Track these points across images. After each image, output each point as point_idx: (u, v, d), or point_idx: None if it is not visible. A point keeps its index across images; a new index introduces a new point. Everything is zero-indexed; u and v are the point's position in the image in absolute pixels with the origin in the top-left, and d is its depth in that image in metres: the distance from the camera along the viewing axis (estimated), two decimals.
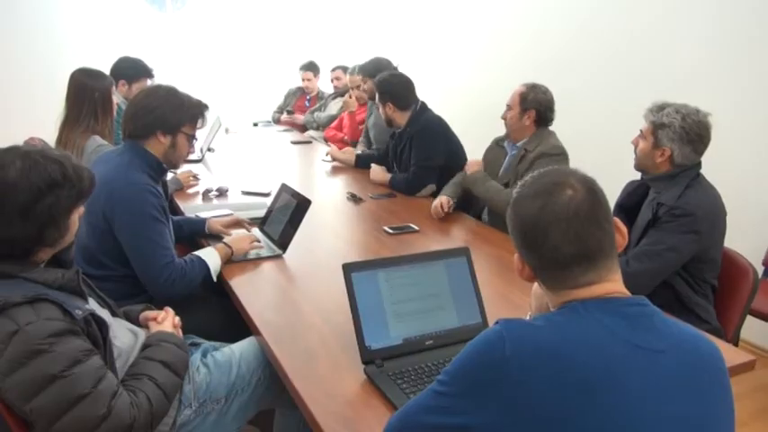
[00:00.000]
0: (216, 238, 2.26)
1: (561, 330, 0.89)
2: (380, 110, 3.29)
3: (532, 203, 0.96)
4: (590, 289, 0.94)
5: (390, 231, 2.45)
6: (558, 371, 0.84)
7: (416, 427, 0.97)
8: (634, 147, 2.08)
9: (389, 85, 3.21)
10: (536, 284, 1.11)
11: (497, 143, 2.91)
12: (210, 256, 1.95)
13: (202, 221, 2.32)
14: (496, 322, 0.93)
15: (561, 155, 2.60)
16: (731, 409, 0.93)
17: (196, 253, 1.96)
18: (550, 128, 2.71)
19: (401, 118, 3.22)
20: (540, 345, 0.87)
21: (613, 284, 0.95)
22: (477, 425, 0.88)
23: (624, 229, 1.00)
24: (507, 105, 2.74)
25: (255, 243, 2.12)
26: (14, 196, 1.22)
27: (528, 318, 1.09)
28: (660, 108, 2.00)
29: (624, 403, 0.83)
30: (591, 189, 0.96)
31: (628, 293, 0.95)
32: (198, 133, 2.08)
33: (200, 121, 2.02)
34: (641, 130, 2.05)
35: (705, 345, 0.94)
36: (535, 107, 2.65)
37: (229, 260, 2.01)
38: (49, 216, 1.26)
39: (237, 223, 2.35)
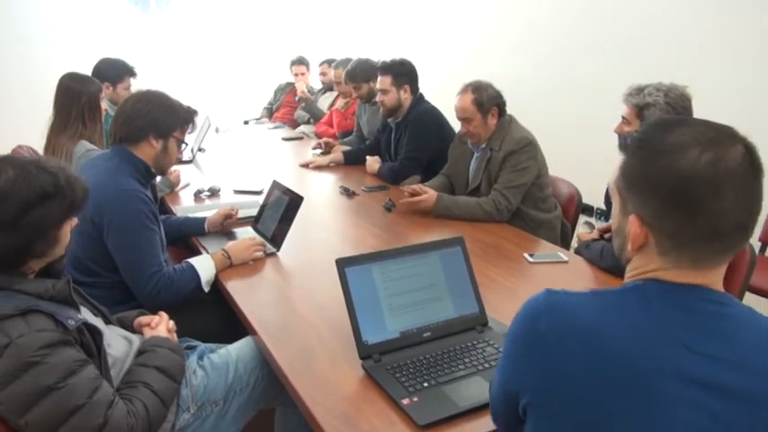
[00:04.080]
0: (215, 238, 2.24)
1: (607, 314, 0.81)
2: (391, 95, 3.17)
3: (699, 155, 0.76)
4: (699, 274, 0.81)
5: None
6: (593, 358, 0.78)
7: (498, 400, 0.95)
8: (618, 134, 2.07)
9: (409, 68, 3.22)
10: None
11: (460, 140, 2.82)
12: (204, 266, 1.90)
13: (201, 220, 2.30)
14: (544, 291, 0.87)
15: (530, 145, 2.51)
16: None
17: (190, 261, 1.92)
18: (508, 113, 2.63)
19: (407, 104, 3.21)
20: (577, 327, 0.80)
21: (717, 277, 0.83)
22: (531, 389, 0.84)
23: None
24: (464, 119, 2.60)
25: (257, 253, 2.03)
26: (3, 207, 1.20)
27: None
28: (639, 90, 2.00)
29: (656, 410, 0.75)
30: (753, 149, 0.79)
31: (719, 288, 0.83)
32: (188, 134, 2.06)
33: (189, 126, 2.02)
34: (623, 116, 2.05)
35: None
36: (495, 104, 2.57)
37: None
38: (38, 228, 1.23)
39: (229, 217, 2.31)
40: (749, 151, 0.78)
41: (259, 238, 2.13)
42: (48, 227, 1.25)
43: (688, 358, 0.76)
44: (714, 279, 0.83)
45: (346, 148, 3.77)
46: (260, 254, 2.05)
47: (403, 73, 3.19)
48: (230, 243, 2.06)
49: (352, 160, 3.51)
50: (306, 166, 3.49)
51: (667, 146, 0.79)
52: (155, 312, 1.61)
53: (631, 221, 0.83)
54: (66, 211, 1.29)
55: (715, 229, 0.77)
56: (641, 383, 0.76)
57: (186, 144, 2.05)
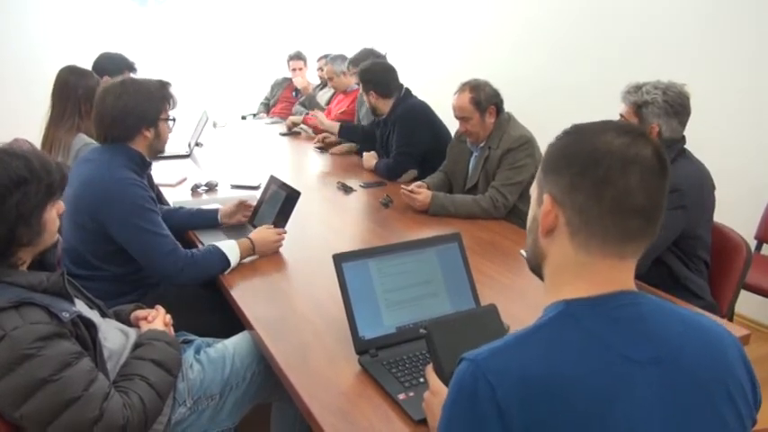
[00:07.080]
0: (211, 233, 2.23)
1: (551, 354, 0.77)
2: (365, 98, 3.29)
3: (618, 138, 0.82)
4: (609, 272, 0.83)
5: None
6: (555, 410, 0.74)
7: None
8: None
9: (371, 74, 3.22)
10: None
11: (459, 139, 2.82)
12: (232, 252, 1.88)
13: (214, 212, 2.27)
14: (461, 359, 0.80)
15: (528, 142, 2.52)
16: (739, 413, 0.83)
17: (216, 244, 1.89)
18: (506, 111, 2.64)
19: (385, 105, 3.22)
20: (527, 378, 0.76)
21: (629, 275, 0.85)
22: None
23: None
24: (462, 118, 2.60)
25: (280, 241, 2.04)
26: None
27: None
28: (637, 88, 1.99)
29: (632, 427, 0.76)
30: (663, 152, 0.84)
31: (631, 287, 0.85)
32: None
33: (171, 101, 1.98)
34: (621, 115, 2.04)
35: (706, 342, 0.84)
36: (492, 102, 2.58)
37: None
38: (18, 214, 1.21)
39: (245, 207, 2.29)
40: (659, 152, 0.83)
41: (280, 229, 2.10)
42: (28, 213, 1.23)
43: (636, 371, 0.78)
44: (625, 276, 0.84)
45: (345, 144, 3.77)
46: (281, 242, 2.05)
47: (366, 80, 3.21)
48: (255, 232, 2.03)
49: (346, 135, 3.56)
50: (321, 141, 3.70)
51: (588, 130, 0.86)
52: (154, 305, 1.60)
53: (544, 201, 0.86)
54: (45, 194, 1.26)
55: (620, 205, 0.81)
56: (599, 410, 0.75)
57: (174, 120, 2.03)
